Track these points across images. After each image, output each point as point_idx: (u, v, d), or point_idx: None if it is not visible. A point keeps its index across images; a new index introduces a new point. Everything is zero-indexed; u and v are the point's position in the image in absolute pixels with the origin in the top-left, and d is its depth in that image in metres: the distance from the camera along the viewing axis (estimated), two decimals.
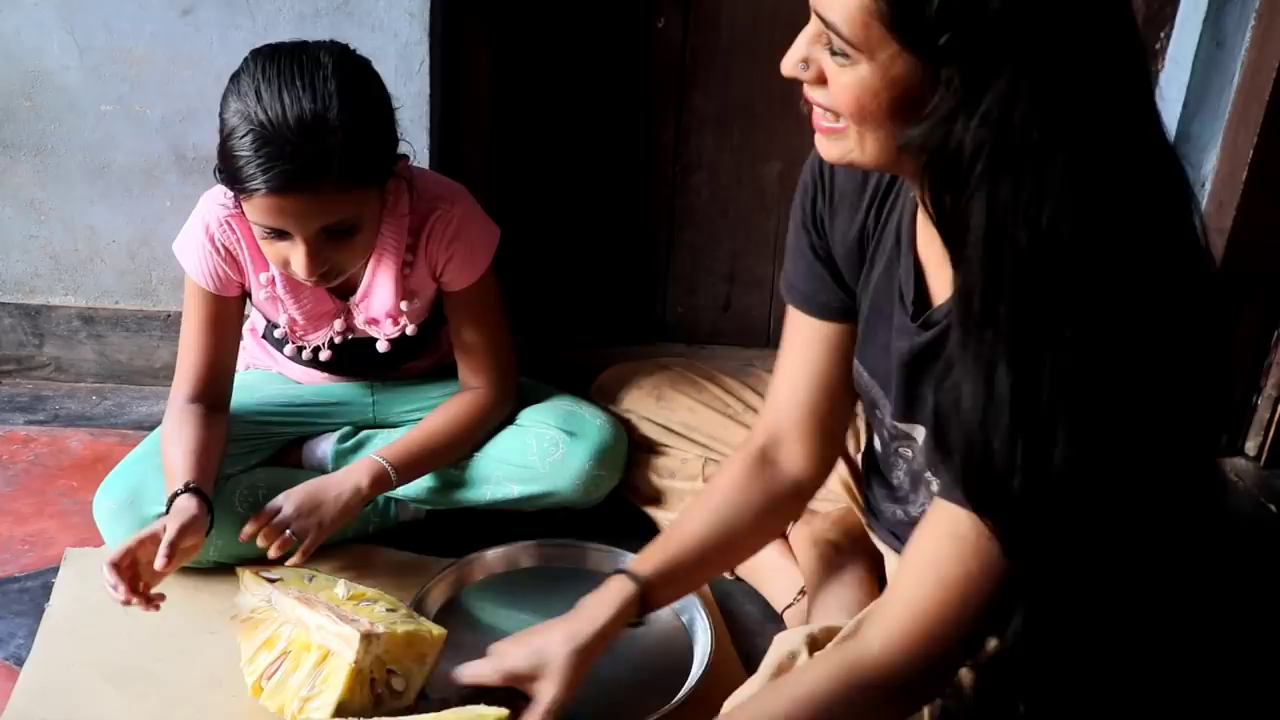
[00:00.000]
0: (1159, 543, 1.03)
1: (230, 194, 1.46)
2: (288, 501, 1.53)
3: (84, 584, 1.57)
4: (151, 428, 1.66)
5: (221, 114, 1.42)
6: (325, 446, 1.74)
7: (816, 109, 1.04)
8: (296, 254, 1.44)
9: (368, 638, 1.28)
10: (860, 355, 1.31)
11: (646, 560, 1.33)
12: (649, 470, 1.74)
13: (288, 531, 1.51)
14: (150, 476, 1.55)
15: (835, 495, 1.63)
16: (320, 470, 1.73)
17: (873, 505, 1.47)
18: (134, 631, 1.49)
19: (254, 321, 1.76)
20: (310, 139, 1.37)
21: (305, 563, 1.51)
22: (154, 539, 1.39)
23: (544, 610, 1.39)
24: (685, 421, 1.74)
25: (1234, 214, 1.82)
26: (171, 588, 1.52)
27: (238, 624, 1.39)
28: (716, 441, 1.70)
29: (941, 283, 1.17)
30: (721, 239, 2.18)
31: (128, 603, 1.36)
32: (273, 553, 1.50)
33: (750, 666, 1.38)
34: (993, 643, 1.09)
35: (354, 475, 1.57)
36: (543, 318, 2.13)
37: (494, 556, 1.62)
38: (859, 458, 1.62)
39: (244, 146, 1.38)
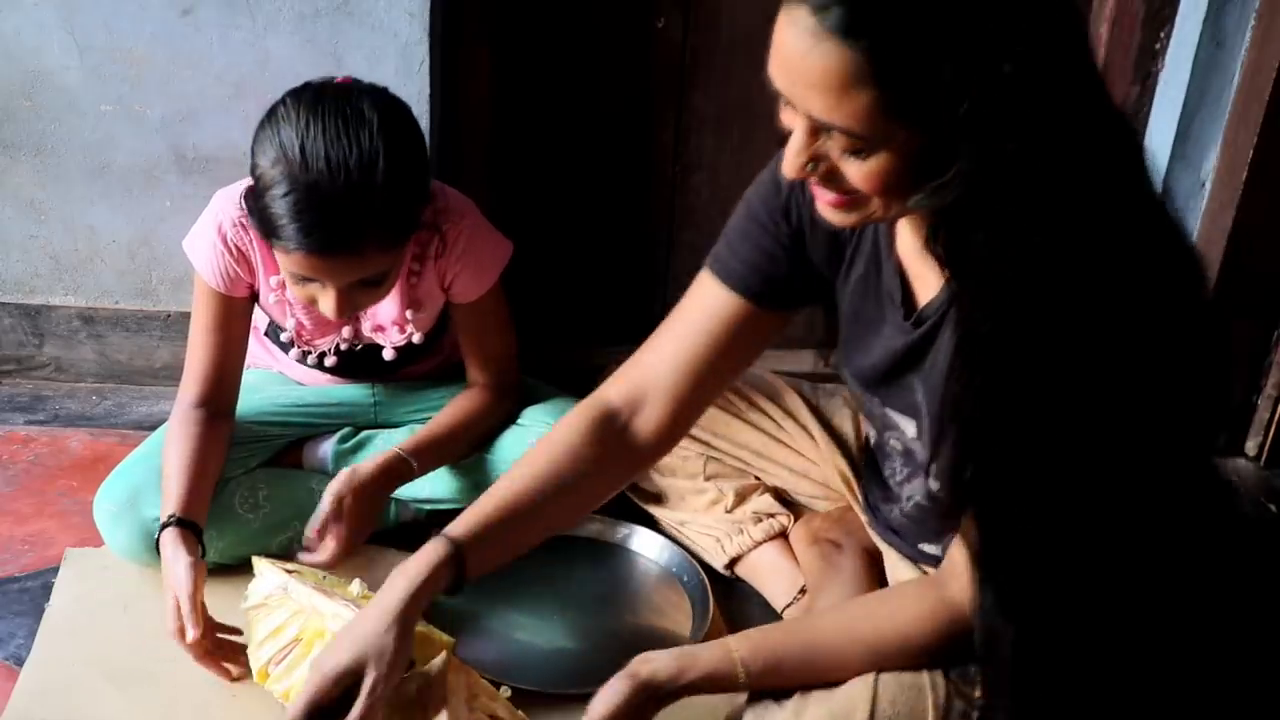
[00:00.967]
0: (1154, 543, 1.04)
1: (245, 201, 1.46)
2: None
3: (84, 584, 1.57)
4: (152, 428, 1.67)
5: (256, 158, 1.39)
6: (326, 447, 1.74)
7: (825, 189, 1.06)
8: (326, 299, 1.44)
9: None
10: (846, 352, 1.34)
11: (462, 521, 1.26)
12: (650, 469, 1.74)
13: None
14: (151, 478, 1.55)
15: (835, 493, 1.63)
16: (320, 471, 1.73)
17: (871, 503, 1.48)
18: (134, 631, 1.49)
19: (256, 319, 1.75)
20: (354, 203, 1.35)
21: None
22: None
23: (545, 574, 1.51)
24: None
25: (1234, 214, 1.82)
26: None
27: (249, 610, 1.38)
28: (718, 439, 1.70)
29: (924, 283, 1.21)
30: None
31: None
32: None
33: None
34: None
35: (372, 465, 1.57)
36: (542, 317, 2.13)
37: None
38: (858, 452, 1.63)
39: (283, 205, 1.35)
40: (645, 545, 1.69)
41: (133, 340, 2.06)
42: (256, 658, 1.35)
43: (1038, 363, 0.98)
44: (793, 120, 1.04)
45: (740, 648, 1.18)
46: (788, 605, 1.58)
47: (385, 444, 1.72)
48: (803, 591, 1.57)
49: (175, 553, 1.41)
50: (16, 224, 1.97)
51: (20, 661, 1.44)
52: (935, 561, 1.35)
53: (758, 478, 1.69)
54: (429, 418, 1.73)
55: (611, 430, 1.33)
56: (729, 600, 1.62)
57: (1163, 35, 1.87)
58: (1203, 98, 1.85)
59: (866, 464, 1.49)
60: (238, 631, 1.41)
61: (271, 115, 1.40)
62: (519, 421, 1.73)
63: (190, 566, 1.39)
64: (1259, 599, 1.59)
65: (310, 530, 1.53)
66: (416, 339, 1.67)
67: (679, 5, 2.00)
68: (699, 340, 1.33)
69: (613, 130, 2.10)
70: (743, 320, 1.33)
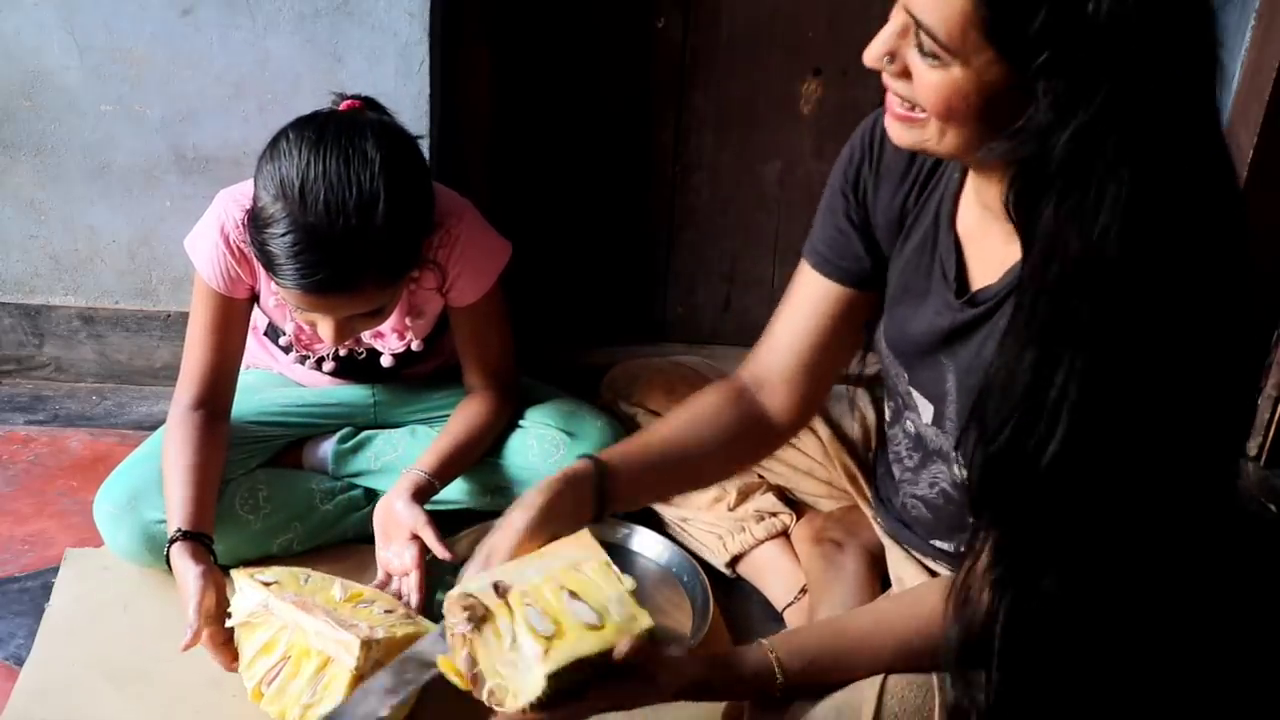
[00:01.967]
0: (1173, 544, 1.04)
1: (249, 198, 1.45)
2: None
3: (84, 584, 1.57)
4: (152, 428, 1.67)
5: (258, 188, 1.39)
6: (326, 447, 1.74)
7: (894, 96, 1.05)
8: (324, 327, 1.45)
9: (367, 644, 1.27)
10: (885, 328, 1.33)
11: (612, 450, 1.30)
12: None
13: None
14: (150, 479, 1.55)
15: (838, 492, 1.63)
16: (320, 471, 1.73)
17: (881, 494, 1.48)
18: (134, 631, 1.49)
19: (255, 320, 1.75)
20: (351, 246, 1.35)
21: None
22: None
23: None
24: None
25: None
26: (171, 587, 1.52)
27: (236, 628, 1.37)
28: None
29: (981, 264, 1.19)
30: (721, 239, 2.18)
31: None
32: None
33: None
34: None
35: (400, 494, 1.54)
36: (543, 318, 2.13)
37: None
38: (865, 451, 1.63)
39: (282, 244, 1.35)
40: (645, 545, 1.69)
41: (133, 340, 2.06)
42: (249, 676, 1.34)
43: (1090, 354, 0.96)
44: (896, 17, 1.01)
45: (777, 647, 1.17)
46: (788, 605, 1.58)
47: (385, 443, 1.72)
48: (804, 591, 1.57)
49: (184, 564, 1.41)
50: (16, 224, 1.97)
51: (20, 661, 1.44)
52: (945, 557, 1.35)
53: (761, 476, 1.69)
54: (429, 418, 1.73)
55: (746, 405, 1.36)
56: (729, 600, 1.62)
57: None
58: None
59: (879, 456, 1.49)
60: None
61: (274, 147, 1.39)
62: (520, 423, 1.72)
63: (200, 576, 1.39)
64: (1259, 599, 1.59)
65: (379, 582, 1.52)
66: (415, 346, 1.67)
67: (679, 5, 2.00)
68: (801, 325, 1.36)
69: (613, 130, 2.10)
70: (834, 302, 1.35)
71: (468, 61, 1.95)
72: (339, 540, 1.68)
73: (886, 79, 1.05)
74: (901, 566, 1.42)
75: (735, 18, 2.00)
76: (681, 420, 1.35)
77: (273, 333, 1.72)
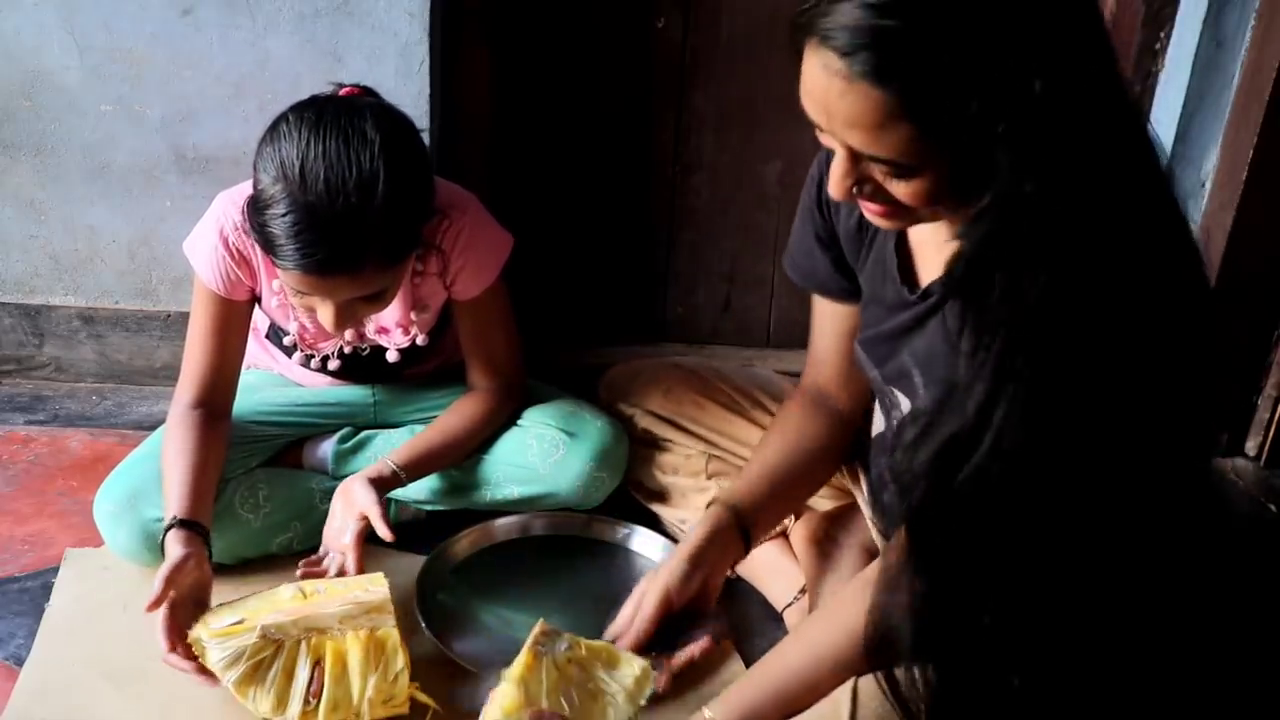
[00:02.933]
0: (1145, 544, 1.05)
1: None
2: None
3: (84, 584, 1.57)
4: (151, 428, 1.67)
5: (258, 172, 1.39)
6: (326, 447, 1.74)
7: (873, 205, 1.09)
8: (324, 311, 1.44)
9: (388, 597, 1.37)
10: (861, 334, 1.38)
11: (737, 489, 1.44)
12: (653, 467, 1.74)
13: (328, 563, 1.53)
14: (150, 478, 1.55)
15: (836, 492, 1.63)
16: (320, 471, 1.73)
17: (875, 493, 1.49)
18: (134, 631, 1.48)
19: (256, 321, 1.75)
20: (352, 225, 1.35)
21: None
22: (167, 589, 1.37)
23: (545, 573, 1.52)
24: (692, 417, 1.73)
25: (1234, 214, 1.82)
26: None
27: (233, 685, 1.32)
28: (723, 438, 1.70)
29: (930, 262, 1.25)
30: (721, 239, 2.18)
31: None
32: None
33: (750, 666, 1.38)
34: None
35: (360, 477, 1.57)
36: (543, 318, 2.13)
37: (506, 523, 1.70)
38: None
39: (282, 225, 1.35)
40: (645, 545, 1.69)
41: (133, 340, 2.06)
42: (290, 715, 1.32)
43: (1052, 400, 0.99)
44: (831, 143, 1.05)
45: (713, 708, 1.22)
46: (788, 605, 1.58)
47: (385, 444, 1.72)
48: (803, 591, 1.57)
49: (174, 549, 1.41)
50: (16, 224, 1.97)
51: (20, 661, 1.44)
52: None
53: None
54: (429, 418, 1.73)
55: (823, 410, 1.50)
56: (729, 600, 1.62)
57: (1163, 35, 1.87)
58: (1203, 98, 1.85)
59: (874, 455, 1.49)
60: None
61: (274, 130, 1.39)
62: (519, 423, 1.72)
63: (182, 558, 1.39)
64: (1258, 598, 1.59)
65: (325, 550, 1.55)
66: (420, 340, 1.67)
67: (679, 5, 2.00)
68: (825, 335, 1.49)
69: (613, 130, 2.10)
70: (842, 318, 1.45)
71: (468, 61, 1.95)
72: None
73: (864, 201, 1.09)
74: None
75: (735, 18, 2.00)
76: (784, 440, 1.48)
77: (275, 335, 1.72)
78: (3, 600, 1.55)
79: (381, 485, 1.55)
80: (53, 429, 1.95)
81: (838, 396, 1.50)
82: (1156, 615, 1.09)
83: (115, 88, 1.86)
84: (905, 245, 1.29)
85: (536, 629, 1.30)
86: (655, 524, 1.72)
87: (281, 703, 1.31)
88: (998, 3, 0.93)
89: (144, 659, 1.44)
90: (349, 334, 1.66)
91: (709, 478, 1.69)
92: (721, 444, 1.71)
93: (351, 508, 1.52)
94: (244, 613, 1.36)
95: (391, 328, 1.67)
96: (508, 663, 1.28)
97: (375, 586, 1.39)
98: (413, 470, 1.59)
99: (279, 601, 1.38)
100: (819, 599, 1.51)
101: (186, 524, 1.44)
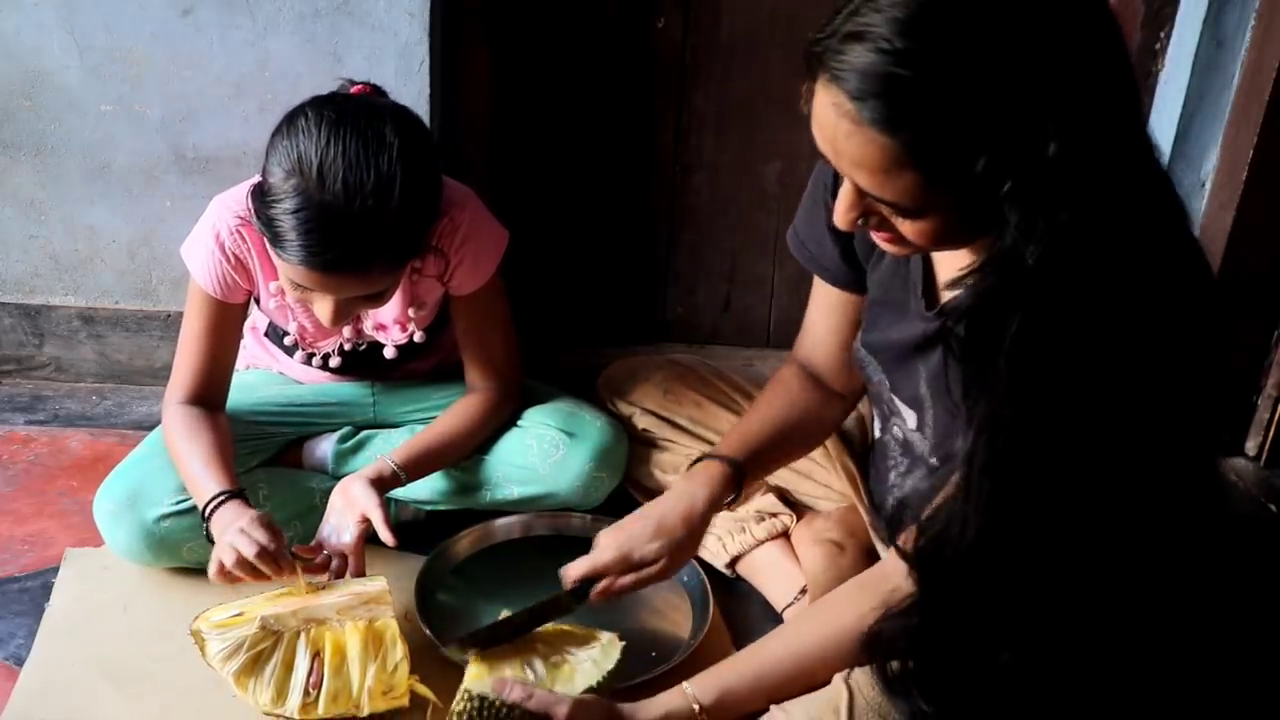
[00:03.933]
0: (1154, 547, 1.05)
1: (244, 205, 1.45)
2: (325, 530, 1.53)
3: (84, 584, 1.57)
4: (151, 428, 1.67)
5: (270, 163, 1.37)
6: (325, 446, 1.74)
7: (879, 235, 1.10)
8: (323, 306, 1.44)
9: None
10: (865, 334, 1.37)
11: (729, 445, 1.43)
12: (652, 466, 1.74)
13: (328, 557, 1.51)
14: (150, 478, 1.55)
15: (837, 494, 1.63)
16: (320, 470, 1.73)
17: (875, 497, 1.48)
18: (134, 631, 1.49)
19: (255, 320, 1.75)
20: (366, 227, 1.34)
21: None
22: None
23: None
24: (691, 416, 1.73)
25: (1234, 214, 1.82)
26: (171, 587, 1.52)
27: (232, 676, 1.33)
28: (722, 437, 1.70)
29: (948, 277, 1.20)
30: (721, 239, 2.18)
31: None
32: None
33: None
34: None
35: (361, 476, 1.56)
36: (543, 318, 2.13)
37: (506, 523, 1.70)
38: (864, 451, 1.63)
39: (293, 220, 1.34)
40: None
41: (133, 340, 2.06)
42: (288, 707, 1.32)
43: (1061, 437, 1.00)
44: (844, 179, 1.05)
45: (692, 684, 1.24)
46: (788, 605, 1.58)
47: (385, 444, 1.72)
48: (803, 592, 1.57)
49: (240, 514, 1.41)
50: (16, 224, 1.97)
51: (20, 661, 1.44)
52: None
53: None
54: (429, 417, 1.73)
55: (815, 381, 1.50)
56: (729, 600, 1.62)
57: (1163, 35, 1.87)
58: (1203, 98, 1.85)
59: (872, 461, 1.49)
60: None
61: (292, 124, 1.38)
62: (519, 423, 1.72)
63: (256, 515, 1.41)
64: (1259, 598, 1.59)
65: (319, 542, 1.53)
66: (418, 337, 1.67)
67: (679, 5, 2.00)
68: (822, 320, 1.48)
69: (613, 130, 2.10)
70: (841, 302, 1.43)
71: (468, 61, 1.95)
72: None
73: (872, 231, 1.09)
74: None
75: (735, 18, 2.00)
76: (781, 400, 1.47)
77: (274, 334, 1.72)
78: (3, 600, 1.55)
79: (382, 485, 1.54)
80: (53, 429, 1.95)
81: (829, 377, 1.50)
82: (1158, 616, 1.10)
83: (115, 88, 1.86)
84: (928, 256, 1.27)
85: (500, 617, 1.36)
86: None
87: (281, 694, 1.32)
88: (1017, 57, 0.92)
89: (144, 659, 1.44)
90: (347, 330, 1.66)
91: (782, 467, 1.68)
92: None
93: (352, 508, 1.51)
94: (243, 605, 1.37)
95: (390, 324, 1.67)
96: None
97: (373, 577, 1.40)
98: (413, 470, 1.59)
99: (278, 595, 1.39)
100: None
101: (236, 494, 1.45)
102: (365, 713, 1.34)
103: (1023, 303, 0.97)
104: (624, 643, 1.36)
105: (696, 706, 1.22)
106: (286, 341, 1.68)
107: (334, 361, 1.70)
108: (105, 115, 1.88)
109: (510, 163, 2.08)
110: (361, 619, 1.36)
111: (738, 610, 1.60)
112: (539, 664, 1.32)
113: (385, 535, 1.47)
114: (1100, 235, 0.94)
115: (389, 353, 1.68)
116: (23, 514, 1.72)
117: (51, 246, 1.99)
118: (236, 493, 1.46)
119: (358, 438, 1.75)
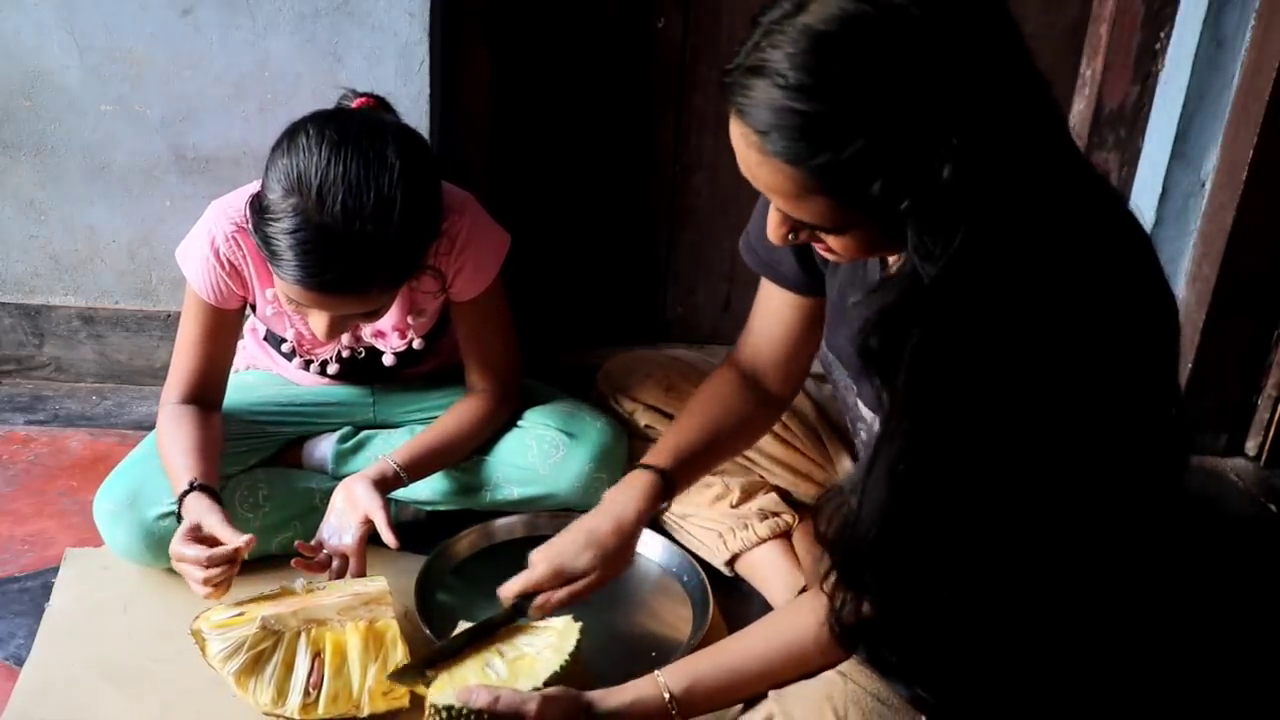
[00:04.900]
0: (1072, 552, 1.08)
1: (242, 213, 1.45)
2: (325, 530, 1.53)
3: (84, 584, 1.57)
4: (151, 428, 1.66)
5: (269, 179, 1.36)
6: (325, 446, 1.74)
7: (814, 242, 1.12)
8: (318, 321, 1.43)
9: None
10: (828, 337, 1.39)
11: (659, 454, 1.44)
12: None
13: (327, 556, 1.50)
14: (150, 477, 1.55)
15: None
16: (320, 470, 1.73)
17: None
18: (134, 631, 1.49)
19: (254, 323, 1.75)
20: (364, 251, 1.33)
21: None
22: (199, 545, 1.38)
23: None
24: None
25: (1234, 214, 1.83)
26: (171, 587, 1.52)
27: (232, 676, 1.33)
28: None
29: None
30: (721, 239, 2.18)
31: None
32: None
33: None
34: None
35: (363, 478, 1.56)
36: (543, 318, 2.13)
37: (506, 523, 1.69)
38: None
39: (292, 241, 1.33)
40: (645, 545, 1.69)
41: (133, 340, 2.06)
42: (289, 707, 1.32)
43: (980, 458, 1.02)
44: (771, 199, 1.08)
45: (664, 672, 1.25)
46: None
47: (385, 444, 1.72)
48: (803, 591, 1.56)
49: (201, 507, 1.41)
50: (16, 224, 1.97)
51: (20, 661, 1.44)
52: None
53: (761, 476, 1.69)
54: (428, 418, 1.73)
55: (752, 385, 1.50)
56: (729, 600, 1.62)
57: (1163, 35, 1.87)
58: (1203, 98, 1.85)
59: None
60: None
61: (293, 141, 1.36)
62: (519, 424, 1.72)
63: (223, 515, 1.40)
64: (1258, 598, 1.59)
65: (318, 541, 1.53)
66: (417, 344, 1.67)
67: (679, 5, 2.00)
68: (769, 322, 1.48)
69: (613, 130, 2.10)
70: (785, 301, 1.44)
71: (468, 61, 1.95)
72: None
73: (804, 238, 1.11)
74: None
75: (735, 18, 2.00)
76: (715, 407, 1.48)
77: (272, 339, 1.71)
78: (3, 600, 1.55)
79: (384, 486, 1.54)
80: (53, 429, 1.95)
81: (770, 380, 1.50)
82: (1120, 613, 1.11)
83: (115, 88, 1.86)
84: (884, 259, 1.27)
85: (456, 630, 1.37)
86: (654, 523, 1.72)
87: (281, 695, 1.32)
88: (909, 86, 0.93)
89: (144, 659, 1.44)
90: (346, 338, 1.66)
91: (712, 474, 1.68)
92: None
93: (355, 509, 1.51)
94: (243, 605, 1.37)
95: (388, 331, 1.67)
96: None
97: (373, 578, 1.40)
98: (414, 471, 1.59)
99: (278, 596, 1.40)
100: None
101: (206, 488, 1.45)
102: (365, 713, 1.34)
103: (921, 318, 1.00)
104: (580, 623, 1.35)
105: (666, 695, 1.22)
106: (284, 348, 1.68)
107: (332, 368, 1.70)
108: (105, 115, 1.88)
109: (510, 163, 2.08)
110: (362, 619, 1.36)
111: (738, 611, 1.60)
112: (499, 663, 1.32)
113: (388, 537, 1.47)
114: (1001, 253, 0.97)
115: (388, 360, 1.68)
116: (23, 514, 1.72)
117: (51, 246, 1.99)
118: (205, 486, 1.45)
119: (358, 438, 1.75)
